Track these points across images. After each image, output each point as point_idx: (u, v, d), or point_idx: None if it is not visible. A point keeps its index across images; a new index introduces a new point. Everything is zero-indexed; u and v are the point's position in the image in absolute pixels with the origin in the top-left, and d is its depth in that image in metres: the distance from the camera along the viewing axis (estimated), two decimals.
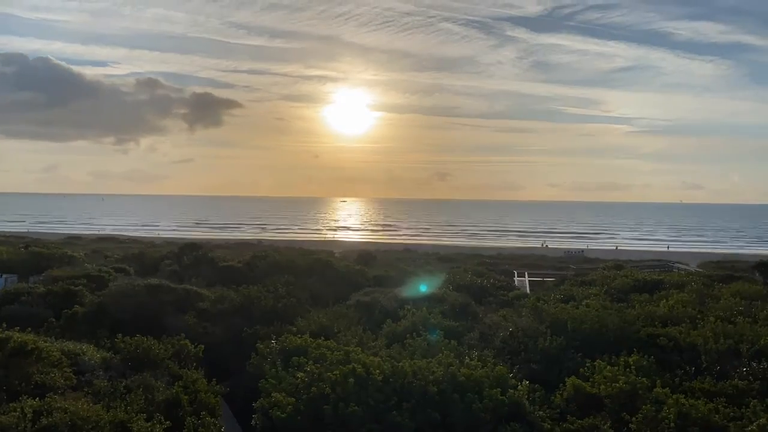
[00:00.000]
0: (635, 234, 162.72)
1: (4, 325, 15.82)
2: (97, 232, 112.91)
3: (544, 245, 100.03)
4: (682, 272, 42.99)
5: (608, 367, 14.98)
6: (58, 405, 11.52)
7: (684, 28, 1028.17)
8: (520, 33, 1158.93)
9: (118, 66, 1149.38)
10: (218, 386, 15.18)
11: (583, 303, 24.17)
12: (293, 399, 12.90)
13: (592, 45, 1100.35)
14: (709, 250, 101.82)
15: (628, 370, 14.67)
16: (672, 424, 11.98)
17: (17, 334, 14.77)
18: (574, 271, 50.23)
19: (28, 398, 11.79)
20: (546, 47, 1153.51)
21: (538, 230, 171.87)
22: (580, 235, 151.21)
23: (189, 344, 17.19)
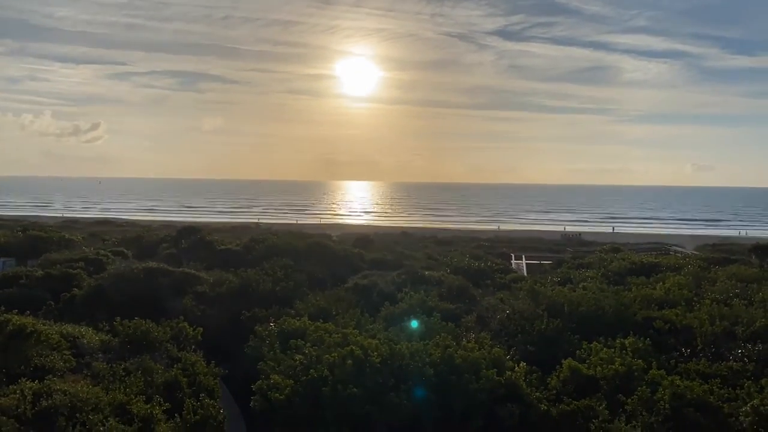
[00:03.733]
0: (632, 216, 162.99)
1: (3, 308, 15.84)
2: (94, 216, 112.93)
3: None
4: (679, 255, 43.15)
5: (604, 349, 15.07)
6: (58, 387, 11.58)
7: (621, 39, 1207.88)
8: (493, 41, 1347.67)
9: (138, 64, 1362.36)
10: (217, 368, 15.27)
11: (580, 286, 24.28)
12: (291, 381, 12.98)
13: (556, 50, 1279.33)
14: (706, 233, 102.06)
15: (624, 352, 14.78)
16: (667, 405, 12.09)
17: (16, 317, 14.80)
18: (571, 254, 50.38)
19: (27, 380, 11.85)
20: (518, 52, 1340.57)
21: (537, 213, 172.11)
22: (577, 218, 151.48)
23: (188, 327, 17.25)
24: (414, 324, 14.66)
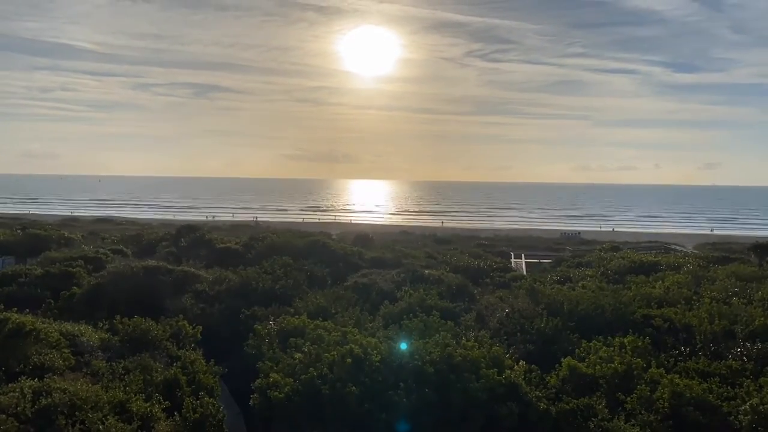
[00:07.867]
0: (630, 215, 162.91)
1: (2, 306, 15.85)
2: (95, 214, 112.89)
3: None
4: (678, 254, 43.19)
5: (604, 347, 15.09)
6: (57, 385, 11.57)
7: (571, 62, 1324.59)
8: (471, 61, 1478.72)
9: (155, 77, 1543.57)
10: (216, 367, 15.26)
11: (580, 284, 24.33)
12: (291, 379, 12.98)
13: (525, 68, 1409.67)
14: (706, 232, 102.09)
15: (623, 350, 14.79)
16: (666, 404, 12.11)
17: (15, 316, 14.81)
18: (570, 253, 50.40)
19: (27, 379, 11.84)
20: (493, 69, 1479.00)
21: (536, 211, 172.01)
22: (576, 217, 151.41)
23: (187, 325, 17.26)
24: (403, 346, 14.67)
